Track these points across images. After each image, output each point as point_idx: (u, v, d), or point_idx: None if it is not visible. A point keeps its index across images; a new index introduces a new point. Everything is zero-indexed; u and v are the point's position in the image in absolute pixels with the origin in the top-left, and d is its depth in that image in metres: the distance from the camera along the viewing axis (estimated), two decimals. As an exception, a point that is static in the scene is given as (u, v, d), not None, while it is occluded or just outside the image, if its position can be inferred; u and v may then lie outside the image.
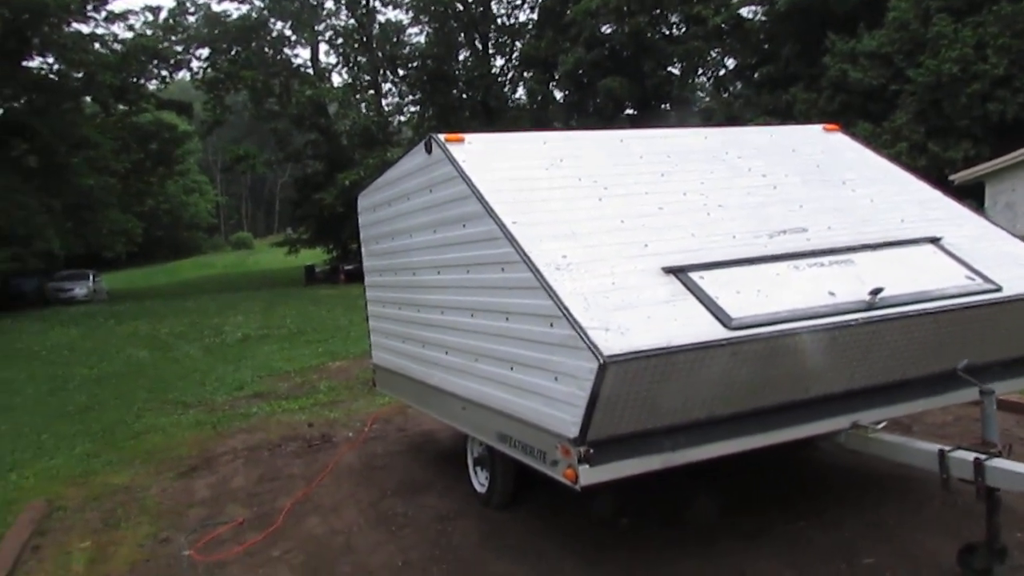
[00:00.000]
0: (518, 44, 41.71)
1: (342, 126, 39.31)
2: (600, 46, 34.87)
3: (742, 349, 3.46)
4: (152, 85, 39.32)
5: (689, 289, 3.66)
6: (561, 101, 40.82)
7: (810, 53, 26.18)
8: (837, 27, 24.69)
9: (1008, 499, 3.69)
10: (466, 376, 4.60)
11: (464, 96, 42.38)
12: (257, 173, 51.85)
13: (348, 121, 38.87)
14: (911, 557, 3.98)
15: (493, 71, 42.73)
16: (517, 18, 42.75)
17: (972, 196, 16.27)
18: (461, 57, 43.39)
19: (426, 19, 41.55)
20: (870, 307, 3.74)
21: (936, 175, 16.56)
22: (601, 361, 3.16)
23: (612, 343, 3.23)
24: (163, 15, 39.51)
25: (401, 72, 42.93)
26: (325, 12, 41.50)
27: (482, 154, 4.53)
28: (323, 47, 42.95)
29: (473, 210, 4.23)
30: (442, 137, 4.64)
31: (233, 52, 39.31)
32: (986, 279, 4.08)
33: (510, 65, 43.36)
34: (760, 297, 3.68)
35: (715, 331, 3.43)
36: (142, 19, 49.21)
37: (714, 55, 35.73)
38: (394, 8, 41.97)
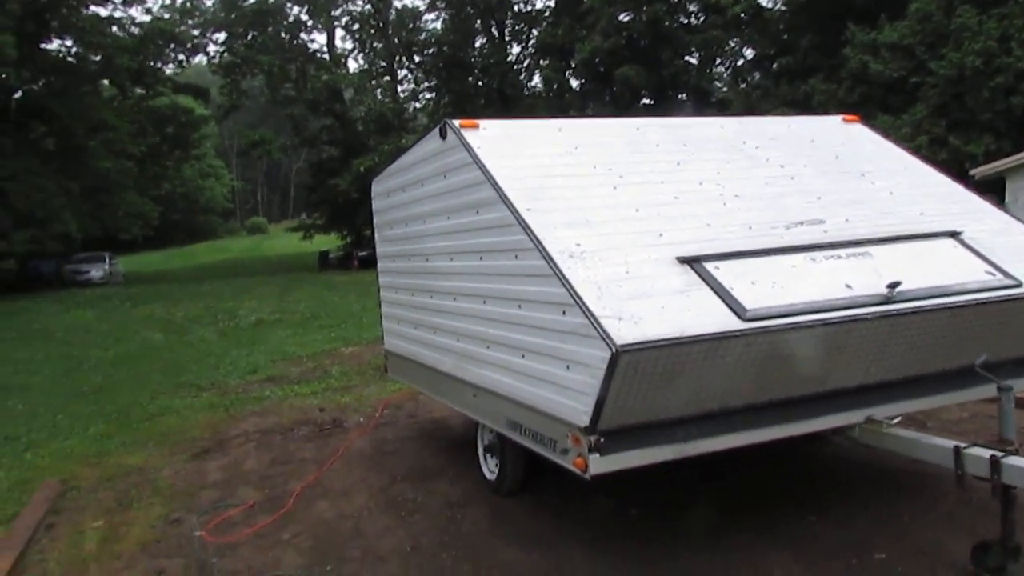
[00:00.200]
0: (535, 31, 41.44)
1: (357, 112, 39.33)
2: (617, 34, 34.54)
3: (756, 341, 3.42)
4: (169, 69, 39.53)
5: (704, 279, 3.62)
6: (577, 89, 40.59)
7: (830, 44, 25.84)
8: (857, 18, 24.35)
9: (1024, 497, 3.66)
10: (478, 363, 4.59)
11: (480, 83, 42.23)
12: (273, 158, 52.04)
13: (363, 107, 38.93)
14: (924, 554, 3.95)
15: (509, 58, 42.56)
16: (534, 5, 42.56)
17: (993, 191, 16.02)
18: (477, 44, 43.24)
19: (442, 5, 41.43)
20: (887, 301, 3.68)
21: (956, 169, 16.30)
22: (614, 350, 3.13)
23: (625, 332, 3.20)
24: (180, -1, 39.68)
25: (417, 58, 42.89)
26: (341, -3, 41.53)
27: (497, 140, 4.50)
28: (339, 32, 43.03)
29: (487, 196, 4.20)
30: (457, 123, 4.60)
31: (249, 37, 39.38)
32: (1006, 274, 4.02)
33: (526, 53, 43.16)
34: (775, 289, 3.63)
35: (729, 322, 3.40)
36: (159, 3, 49.42)
37: (732, 45, 35.43)
38: (411, -6, 42.10)
